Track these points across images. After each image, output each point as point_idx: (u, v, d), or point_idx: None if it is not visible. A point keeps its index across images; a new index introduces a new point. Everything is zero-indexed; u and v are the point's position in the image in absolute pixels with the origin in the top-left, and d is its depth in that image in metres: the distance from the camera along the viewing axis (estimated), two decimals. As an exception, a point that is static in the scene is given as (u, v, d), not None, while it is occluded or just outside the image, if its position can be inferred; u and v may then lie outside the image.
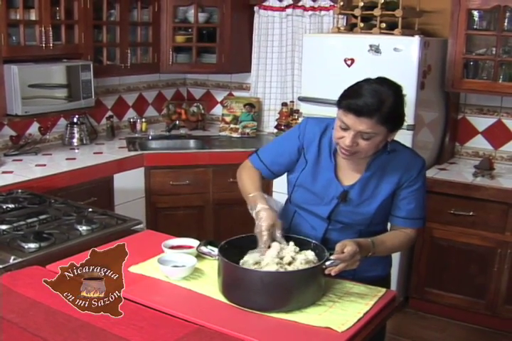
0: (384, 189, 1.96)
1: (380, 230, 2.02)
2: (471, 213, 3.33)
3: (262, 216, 1.85)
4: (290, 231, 2.04)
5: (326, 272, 1.72)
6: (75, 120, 3.89)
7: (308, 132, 2.03)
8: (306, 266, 1.74)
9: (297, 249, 1.81)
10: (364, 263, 1.87)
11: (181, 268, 1.87)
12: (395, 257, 2.49)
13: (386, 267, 2.15)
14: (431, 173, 3.41)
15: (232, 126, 4.39)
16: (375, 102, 1.75)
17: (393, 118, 1.81)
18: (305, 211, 2.08)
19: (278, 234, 1.85)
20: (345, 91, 1.85)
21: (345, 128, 1.81)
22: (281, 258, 1.77)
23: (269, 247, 1.81)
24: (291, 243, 1.83)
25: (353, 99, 1.79)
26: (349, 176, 1.98)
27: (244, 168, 2.15)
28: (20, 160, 3.48)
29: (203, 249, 1.95)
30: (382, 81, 1.85)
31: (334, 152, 1.97)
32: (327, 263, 1.72)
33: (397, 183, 1.95)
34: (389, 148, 1.93)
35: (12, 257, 2.02)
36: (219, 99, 4.74)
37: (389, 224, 2.06)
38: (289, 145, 2.06)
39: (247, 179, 2.08)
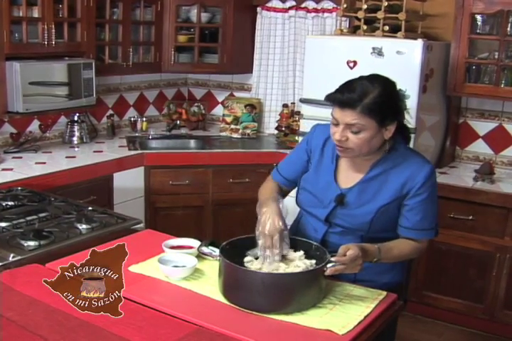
0: (385, 194, 1.93)
1: (387, 238, 1.93)
2: (470, 217, 3.33)
3: (266, 221, 1.84)
4: (298, 232, 2.05)
5: (326, 273, 1.71)
6: (76, 118, 3.88)
7: (316, 138, 2.07)
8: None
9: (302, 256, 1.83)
10: (375, 270, 1.87)
11: (182, 269, 1.86)
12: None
13: (398, 274, 2.11)
14: (431, 177, 3.41)
15: (232, 126, 4.38)
16: (357, 93, 1.79)
17: (379, 110, 1.80)
18: (308, 213, 2.08)
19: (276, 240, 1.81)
20: (337, 88, 1.88)
21: (336, 124, 1.85)
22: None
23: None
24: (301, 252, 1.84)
25: (338, 93, 1.83)
26: (349, 179, 1.98)
27: (263, 183, 2.20)
28: (20, 157, 3.47)
29: (204, 249, 1.96)
30: (374, 77, 1.88)
31: (337, 155, 1.97)
32: (328, 265, 1.71)
33: (399, 190, 1.91)
34: (387, 147, 1.91)
35: (11, 255, 2.01)
36: (220, 100, 4.73)
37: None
38: (301, 152, 2.10)
39: (264, 189, 2.14)
